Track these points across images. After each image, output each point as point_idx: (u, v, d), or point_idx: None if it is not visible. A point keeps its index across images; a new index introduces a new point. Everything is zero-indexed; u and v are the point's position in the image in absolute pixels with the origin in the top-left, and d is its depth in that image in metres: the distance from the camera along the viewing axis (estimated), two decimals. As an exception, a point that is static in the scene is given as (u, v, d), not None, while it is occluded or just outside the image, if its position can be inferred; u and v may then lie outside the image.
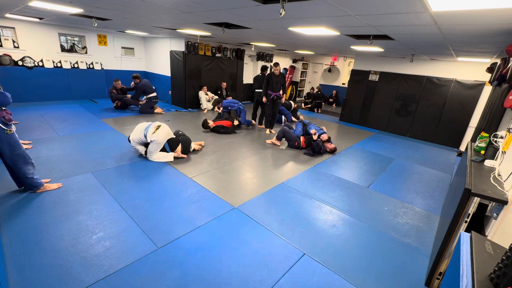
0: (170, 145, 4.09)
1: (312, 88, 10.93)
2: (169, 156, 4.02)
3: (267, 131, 6.17)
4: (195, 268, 2.06)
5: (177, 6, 3.16)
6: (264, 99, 6.01)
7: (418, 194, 3.76)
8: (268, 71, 6.79)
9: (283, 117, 7.34)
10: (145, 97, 6.98)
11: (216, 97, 8.48)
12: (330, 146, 5.05)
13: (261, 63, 10.54)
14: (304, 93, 13.11)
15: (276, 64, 5.75)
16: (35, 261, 1.99)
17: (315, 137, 4.92)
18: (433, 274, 2.01)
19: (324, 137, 5.05)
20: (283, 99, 6.15)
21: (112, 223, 2.51)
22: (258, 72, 10.35)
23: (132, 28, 6.42)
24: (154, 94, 7.03)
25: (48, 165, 3.53)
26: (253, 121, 6.79)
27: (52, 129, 5.02)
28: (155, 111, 7.26)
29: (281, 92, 5.99)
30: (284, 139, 5.33)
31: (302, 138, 5.12)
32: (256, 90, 6.72)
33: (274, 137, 5.38)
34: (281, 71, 6.02)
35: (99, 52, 8.19)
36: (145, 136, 3.89)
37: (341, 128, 7.65)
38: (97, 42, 8.08)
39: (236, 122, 6.13)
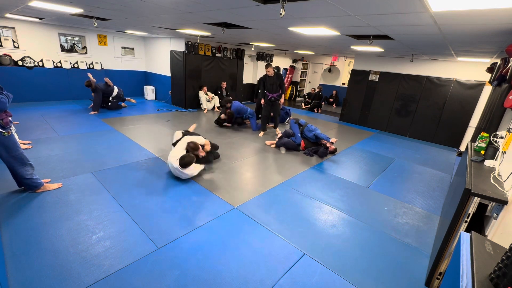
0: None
1: (314, 89, 10.93)
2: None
3: (261, 133, 6.02)
4: (195, 268, 2.06)
5: (177, 6, 3.15)
6: (262, 101, 5.95)
7: (418, 194, 3.76)
8: (271, 68, 6.73)
9: (289, 117, 7.32)
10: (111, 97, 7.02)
11: (216, 97, 8.48)
12: (331, 147, 5.02)
13: (261, 63, 10.53)
14: (304, 93, 13.11)
15: (268, 66, 5.58)
16: (35, 261, 1.99)
17: (328, 145, 4.85)
18: (433, 274, 2.01)
19: (332, 147, 4.98)
20: (282, 100, 5.97)
21: (112, 223, 2.51)
22: (258, 72, 10.45)
23: (132, 28, 6.42)
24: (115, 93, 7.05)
25: (48, 165, 3.53)
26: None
27: (52, 129, 5.02)
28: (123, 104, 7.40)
29: (280, 92, 5.82)
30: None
31: (302, 144, 5.09)
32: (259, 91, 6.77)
33: (275, 141, 5.28)
34: (281, 71, 5.92)
35: (99, 52, 8.18)
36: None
37: (341, 128, 7.65)
38: (97, 42, 8.08)
39: (223, 116, 6.21)
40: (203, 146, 3.67)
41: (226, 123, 6.36)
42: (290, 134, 5.22)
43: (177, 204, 2.93)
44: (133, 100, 7.75)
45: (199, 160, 3.61)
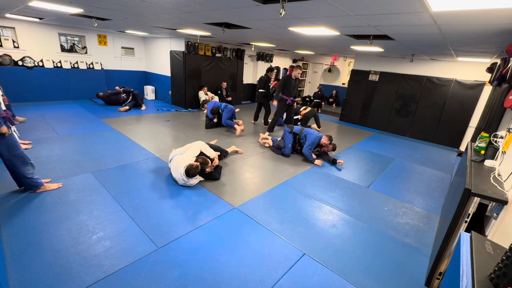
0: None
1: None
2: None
3: (266, 133, 5.82)
4: (195, 268, 2.06)
5: (177, 6, 3.15)
6: (274, 102, 5.73)
7: (418, 194, 3.76)
8: (274, 73, 6.65)
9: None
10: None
11: (216, 97, 8.47)
12: (326, 148, 4.74)
13: (261, 63, 10.54)
14: (305, 94, 13.11)
15: (297, 67, 5.19)
16: (35, 261, 1.99)
17: (323, 146, 4.68)
18: (433, 274, 2.02)
19: (325, 149, 4.76)
20: (295, 104, 5.85)
21: (112, 223, 2.51)
22: (258, 72, 10.45)
23: (132, 28, 6.42)
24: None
25: (48, 165, 3.53)
26: (248, 122, 6.68)
27: (52, 129, 5.02)
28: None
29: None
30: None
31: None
32: (259, 91, 6.72)
33: (270, 140, 5.17)
34: (281, 71, 5.86)
35: (99, 52, 8.18)
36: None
37: (341, 128, 7.65)
38: (97, 42, 8.08)
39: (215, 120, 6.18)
40: (212, 160, 3.66)
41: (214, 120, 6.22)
42: (281, 146, 4.84)
43: (177, 204, 2.93)
44: (122, 110, 7.48)
45: (205, 175, 3.58)
